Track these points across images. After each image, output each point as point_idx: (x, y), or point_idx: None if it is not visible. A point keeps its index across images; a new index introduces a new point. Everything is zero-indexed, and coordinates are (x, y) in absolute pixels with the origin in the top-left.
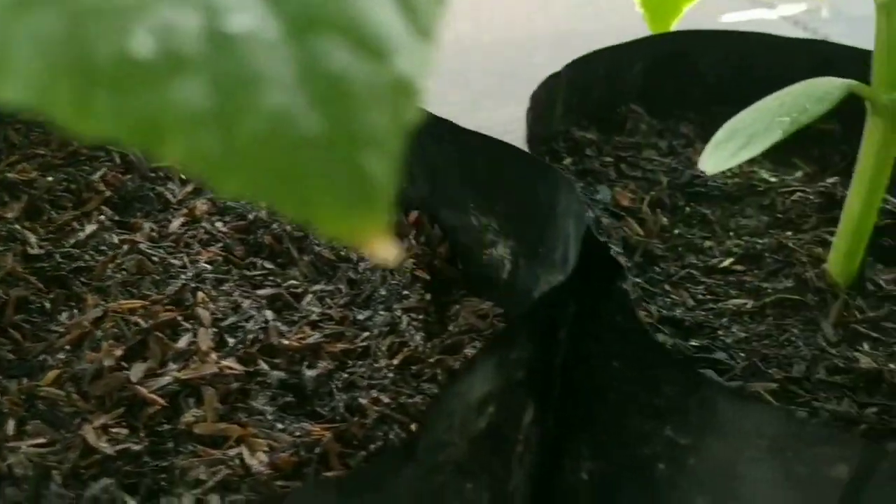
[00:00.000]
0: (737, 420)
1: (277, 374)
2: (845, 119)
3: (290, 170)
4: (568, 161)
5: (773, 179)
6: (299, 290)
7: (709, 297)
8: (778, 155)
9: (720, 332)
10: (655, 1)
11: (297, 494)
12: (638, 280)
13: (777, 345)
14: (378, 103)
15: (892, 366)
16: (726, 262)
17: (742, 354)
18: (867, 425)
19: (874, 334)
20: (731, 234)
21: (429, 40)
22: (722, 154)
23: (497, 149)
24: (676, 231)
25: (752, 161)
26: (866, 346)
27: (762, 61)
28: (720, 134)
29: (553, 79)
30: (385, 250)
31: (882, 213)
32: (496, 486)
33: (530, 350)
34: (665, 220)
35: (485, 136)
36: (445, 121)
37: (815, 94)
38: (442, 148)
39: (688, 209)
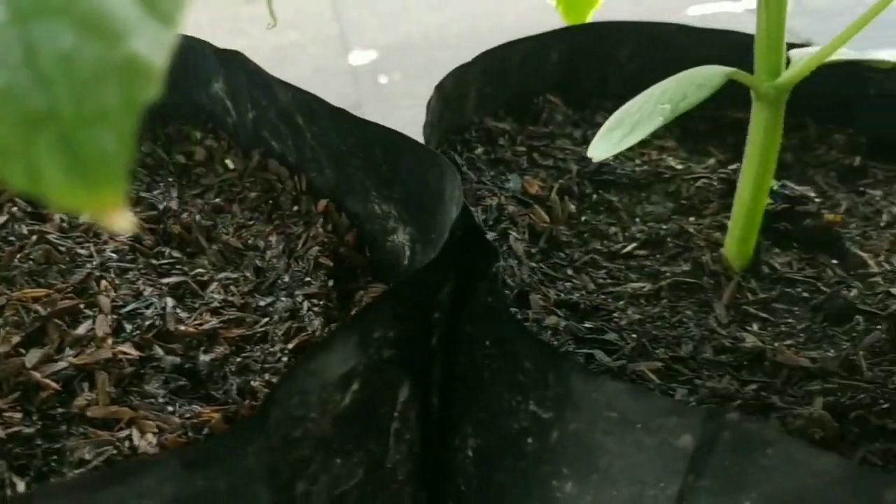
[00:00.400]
0: (589, 395)
1: (172, 359)
2: None
3: (19, 145)
4: (480, 150)
5: (679, 167)
6: (205, 278)
7: (609, 281)
8: (695, 143)
9: (615, 315)
10: None
11: (144, 466)
12: (541, 265)
13: (669, 326)
14: (107, 82)
15: (776, 344)
16: (629, 248)
17: (634, 336)
18: (742, 401)
19: (763, 315)
20: (637, 220)
21: (169, 24)
22: (610, 141)
23: (393, 139)
24: (584, 218)
25: (663, 149)
26: (755, 327)
27: (679, 52)
28: (609, 121)
29: (464, 69)
30: (119, 221)
31: (780, 197)
32: (371, 462)
33: (399, 329)
34: (573, 208)
35: (382, 126)
36: (345, 111)
37: (696, 81)
38: (344, 138)
39: (595, 197)
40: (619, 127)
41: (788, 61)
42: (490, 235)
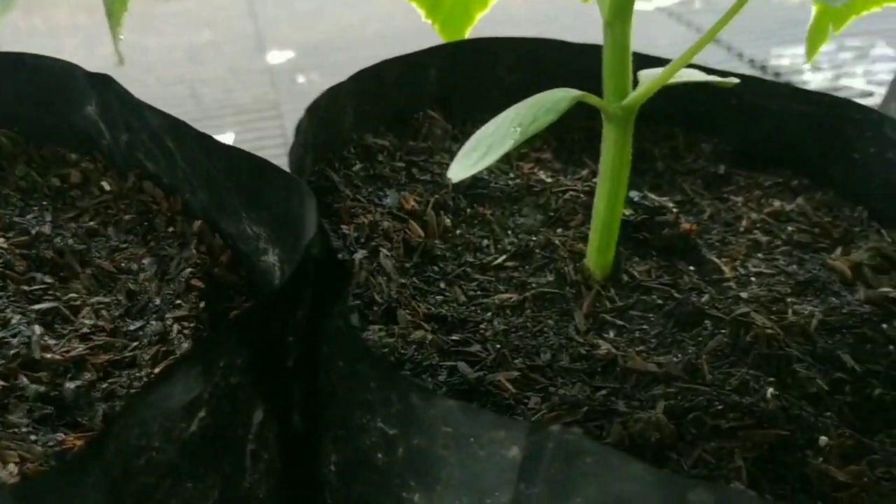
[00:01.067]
0: (427, 412)
1: (36, 388)
2: None
3: None
4: (358, 167)
5: (549, 180)
6: (77, 303)
7: (479, 293)
8: (570, 153)
9: (482, 326)
10: (444, 11)
11: None
12: (414, 279)
13: (530, 336)
14: None
15: (628, 351)
16: (499, 260)
17: (497, 346)
18: (589, 407)
19: (620, 322)
20: (509, 232)
21: None
22: (467, 162)
23: (257, 164)
24: (458, 231)
25: (538, 161)
26: (611, 334)
27: (556, 66)
28: (469, 142)
29: (338, 89)
30: None
31: (641, 208)
32: (227, 483)
33: (248, 355)
34: (448, 222)
35: (246, 152)
36: (209, 137)
37: (546, 105)
38: (213, 162)
39: (469, 210)
40: (476, 148)
41: (636, 83)
42: (361, 253)
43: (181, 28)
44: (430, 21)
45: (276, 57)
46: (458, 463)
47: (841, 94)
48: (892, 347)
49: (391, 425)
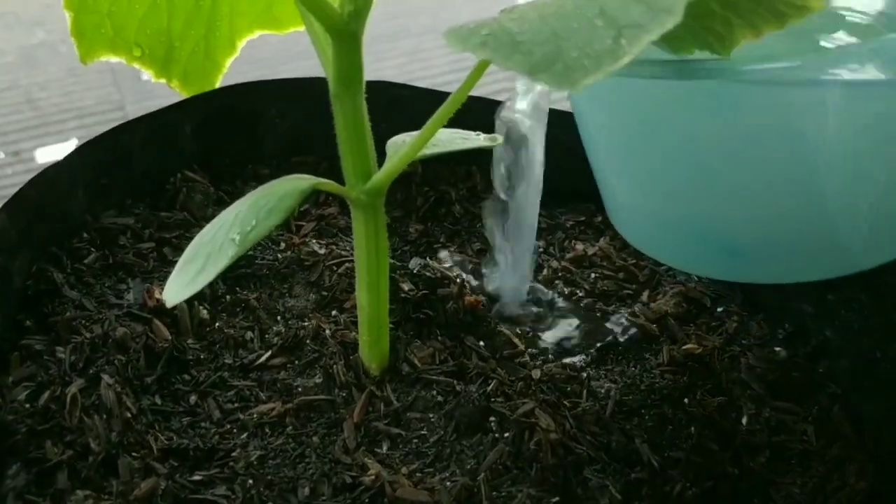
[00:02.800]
0: None
1: None
2: None
3: None
4: (92, 257)
5: (321, 251)
6: None
7: (238, 404)
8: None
9: (234, 455)
10: (182, 63)
11: None
12: (155, 398)
13: (289, 463)
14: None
15: (400, 473)
16: (264, 357)
17: (249, 482)
18: None
19: (395, 430)
20: (278, 318)
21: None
22: (183, 280)
23: None
24: (217, 324)
25: (320, 219)
26: (384, 448)
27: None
28: (187, 252)
29: (61, 166)
30: None
31: (421, 281)
32: None
33: None
34: (205, 313)
35: None
36: None
37: (269, 203)
38: None
39: (230, 297)
40: (193, 260)
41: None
42: (77, 384)
43: (10, 30)
44: (163, 80)
45: None
46: None
47: None
48: (692, 429)
49: None
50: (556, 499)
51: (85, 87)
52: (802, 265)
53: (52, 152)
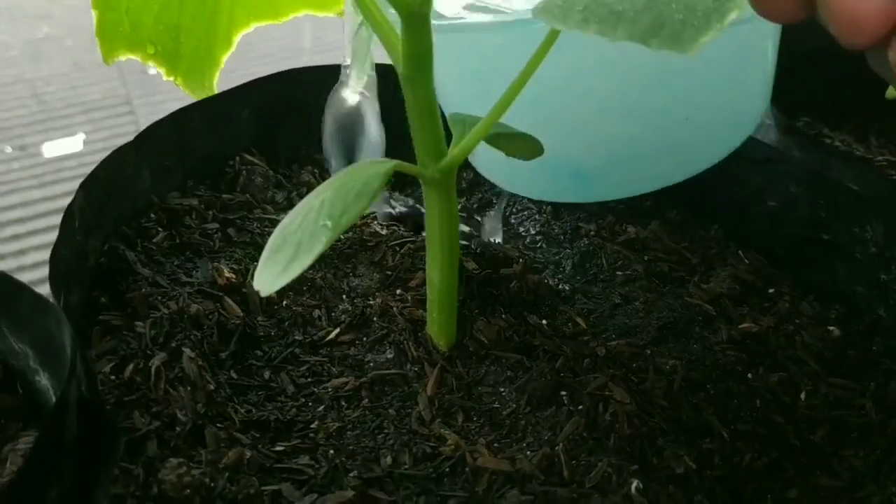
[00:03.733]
0: None
1: None
2: None
3: None
4: (161, 237)
5: (384, 232)
6: None
7: (310, 379)
8: (416, 188)
9: (312, 427)
10: (186, 59)
11: None
12: (230, 373)
13: (368, 434)
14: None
15: (478, 443)
16: (333, 334)
17: (331, 453)
18: None
19: (469, 404)
20: (343, 297)
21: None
22: (274, 269)
23: (5, 283)
24: (285, 302)
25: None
26: (459, 420)
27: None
28: (273, 240)
29: (126, 149)
30: None
31: (483, 260)
32: None
33: None
34: (273, 293)
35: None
36: None
37: (355, 188)
38: None
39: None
40: (282, 248)
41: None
42: (159, 357)
43: (15, 24)
44: (171, 79)
45: None
46: None
47: None
48: (757, 402)
49: None
50: (635, 466)
51: (90, 82)
52: (639, 180)
53: (60, 146)
